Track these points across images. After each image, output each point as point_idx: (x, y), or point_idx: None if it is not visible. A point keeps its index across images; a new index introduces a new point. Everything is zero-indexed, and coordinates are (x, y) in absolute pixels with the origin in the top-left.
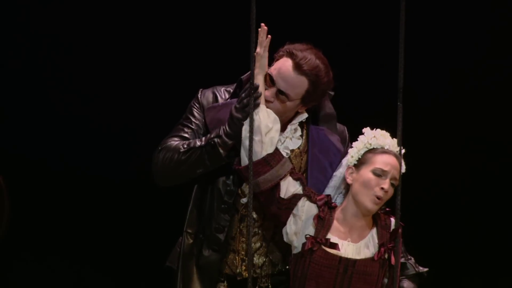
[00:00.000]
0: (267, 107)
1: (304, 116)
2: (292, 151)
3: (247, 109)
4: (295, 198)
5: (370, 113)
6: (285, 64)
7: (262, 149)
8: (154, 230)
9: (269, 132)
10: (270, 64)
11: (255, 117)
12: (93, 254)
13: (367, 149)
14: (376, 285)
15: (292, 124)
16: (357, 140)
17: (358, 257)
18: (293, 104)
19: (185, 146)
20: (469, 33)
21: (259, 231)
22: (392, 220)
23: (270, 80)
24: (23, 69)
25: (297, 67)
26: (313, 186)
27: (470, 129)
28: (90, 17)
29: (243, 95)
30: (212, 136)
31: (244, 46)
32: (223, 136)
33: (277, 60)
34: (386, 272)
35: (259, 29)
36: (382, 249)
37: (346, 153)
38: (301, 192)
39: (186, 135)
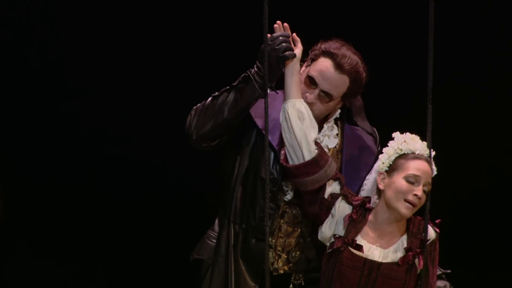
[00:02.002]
0: (311, 109)
1: (337, 112)
2: (329, 150)
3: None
4: (333, 198)
5: (401, 114)
6: (325, 65)
7: (303, 151)
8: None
9: (311, 133)
10: (302, 60)
11: (286, 123)
12: (91, 256)
13: (398, 155)
14: None
15: (329, 122)
16: (387, 146)
17: (384, 261)
18: (335, 103)
19: (216, 93)
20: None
21: (298, 228)
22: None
23: (311, 82)
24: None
25: (339, 66)
26: (352, 182)
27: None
28: (94, 21)
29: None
30: (243, 75)
31: (250, 45)
32: (256, 72)
33: (314, 60)
34: (416, 277)
35: (278, 25)
36: (410, 254)
37: (379, 154)
38: (338, 191)
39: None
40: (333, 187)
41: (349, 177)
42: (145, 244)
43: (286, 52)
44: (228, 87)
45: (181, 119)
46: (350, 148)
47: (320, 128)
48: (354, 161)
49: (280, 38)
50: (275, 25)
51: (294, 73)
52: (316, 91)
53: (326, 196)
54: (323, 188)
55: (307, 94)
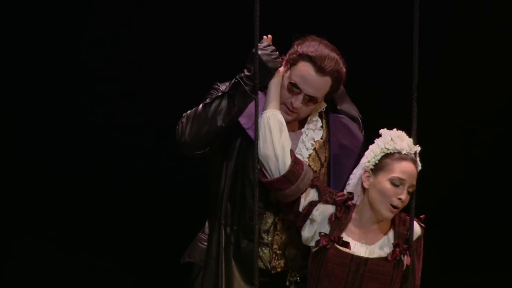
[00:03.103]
0: (297, 113)
1: (323, 106)
2: (316, 142)
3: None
4: (311, 206)
5: (386, 110)
6: (306, 70)
7: (279, 164)
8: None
9: (281, 142)
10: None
11: (264, 133)
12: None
13: (384, 154)
14: (390, 286)
15: (313, 116)
16: (374, 143)
17: (370, 256)
18: (319, 102)
19: (207, 100)
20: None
21: (293, 225)
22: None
23: (294, 88)
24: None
25: (320, 70)
26: (340, 173)
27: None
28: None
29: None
30: (233, 81)
31: (245, 45)
32: (246, 75)
33: (293, 64)
34: (403, 273)
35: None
36: (397, 249)
37: (364, 139)
38: (317, 199)
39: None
40: (310, 196)
41: (340, 163)
42: (148, 236)
43: (278, 59)
44: (220, 94)
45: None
46: (337, 138)
47: (304, 122)
48: (341, 150)
49: (273, 47)
50: (265, 37)
51: (278, 85)
52: (301, 97)
53: (301, 208)
54: (297, 201)
55: (292, 100)
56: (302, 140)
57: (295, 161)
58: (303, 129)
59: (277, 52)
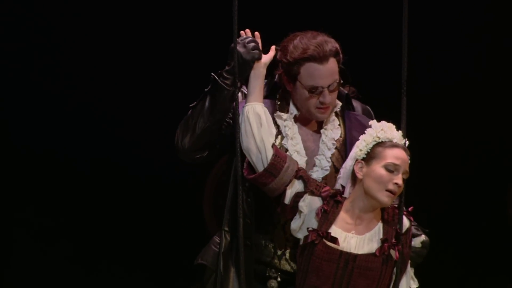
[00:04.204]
0: (331, 107)
1: (338, 105)
2: (336, 140)
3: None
4: (297, 197)
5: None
6: (312, 68)
7: (261, 157)
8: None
9: (269, 138)
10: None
11: (245, 126)
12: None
13: (375, 143)
14: (379, 281)
15: (330, 116)
16: (364, 133)
17: (359, 252)
18: (340, 83)
19: (194, 103)
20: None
21: None
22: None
23: (315, 90)
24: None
25: (322, 59)
26: None
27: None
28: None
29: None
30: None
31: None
32: (225, 70)
33: (296, 74)
34: (392, 268)
35: (246, 32)
36: (386, 245)
37: None
38: (303, 189)
39: None
40: (296, 187)
41: None
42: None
43: (255, 51)
44: (202, 95)
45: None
46: (353, 131)
47: (321, 123)
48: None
49: (250, 38)
50: (242, 32)
51: (258, 77)
52: (325, 91)
53: (286, 201)
54: (282, 194)
55: (320, 99)
56: (323, 140)
57: (276, 154)
58: (321, 130)
59: (254, 43)
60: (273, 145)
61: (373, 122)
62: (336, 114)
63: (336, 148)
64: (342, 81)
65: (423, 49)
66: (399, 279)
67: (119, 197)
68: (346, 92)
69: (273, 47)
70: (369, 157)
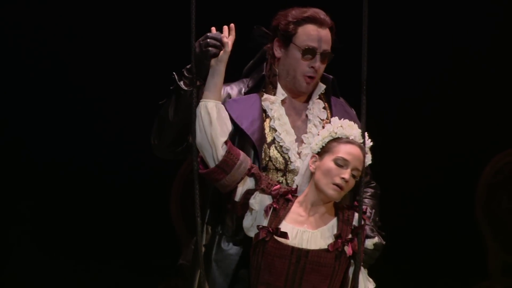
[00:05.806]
0: (317, 78)
1: (322, 87)
2: (322, 120)
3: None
4: (248, 194)
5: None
6: (312, 30)
7: (213, 154)
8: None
9: (221, 136)
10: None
11: (198, 122)
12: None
13: (331, 138)
14: (332, 278)
15: (314, 97)
16: (323, 128)
17: (312, 247)
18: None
19: (163, 100)
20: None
21: None
22: (355, 215)
23: (310, 51)
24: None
25: (322, 24)
26: None
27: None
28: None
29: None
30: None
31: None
32: (186, 68)
33: (293, 35)
34: (345, 265)
35: (213, 29)
36: (339, 241)
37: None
38: (253, 187)
39: None
40: (247, 185)
41: None
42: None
43: (209, 48)
44: (170, 93)
45: None
46: (338, 115)
47: (307, 103)
48: None
49: (208, 35)
50: (212, 28)
51: (216, 75)
52: (318, 56)
53: (237, 198)
54: (233, 191)
55: (311, 64)
56: (310, 119)
57: (229, 151)
58: (307, 111)
59: (210, 40)
60: (227, 142)
61: (333, 119)
62: (321, 98)
63: (323, 127)
64: (323, 91)
65: (388, 51)
66: (358, 275)
67: (87, 198)
68: (332, 77)
69: (232, 25)
70: (323, 151)
